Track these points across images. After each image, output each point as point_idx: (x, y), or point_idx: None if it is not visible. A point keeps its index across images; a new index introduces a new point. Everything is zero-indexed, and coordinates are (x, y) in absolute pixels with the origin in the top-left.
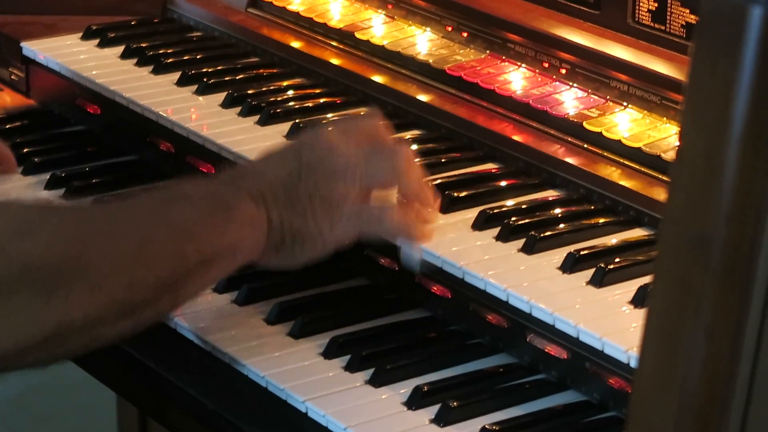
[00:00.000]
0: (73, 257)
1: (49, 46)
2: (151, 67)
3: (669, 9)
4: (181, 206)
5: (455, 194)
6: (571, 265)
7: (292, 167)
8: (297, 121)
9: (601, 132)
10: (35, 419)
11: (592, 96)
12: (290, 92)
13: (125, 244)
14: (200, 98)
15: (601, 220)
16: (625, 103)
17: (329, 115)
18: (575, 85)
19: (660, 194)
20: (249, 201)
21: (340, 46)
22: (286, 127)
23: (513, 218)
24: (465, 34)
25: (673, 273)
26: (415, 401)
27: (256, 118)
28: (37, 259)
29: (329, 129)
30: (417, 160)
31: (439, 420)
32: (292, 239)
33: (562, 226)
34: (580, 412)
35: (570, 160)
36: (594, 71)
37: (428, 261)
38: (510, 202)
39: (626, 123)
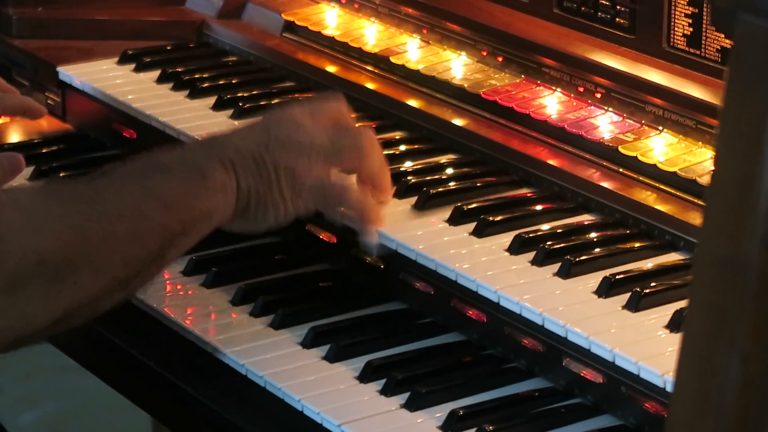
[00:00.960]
0: (79, 245)
1: (85, 70)
2: (186, 92)
3: (704, 34)
4: (162, 178)
5: (490, 218)
6: (606, 289)
7: (260, 139)
8: None
9: (636, 156)
10: None
11: (628, 120)
12: None
13: (122, 225)
14: (236, 122)
15: (637, 245)
16: (660, 128)
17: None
18: (610, 109)
19: (695, 218)
20: (221, 168)
21: (375, 71)
22: None
23: (548, 242)
24: (500, 59)
25: (708, 297)
26: (450, 425)
27: None
28: (49, 252)
29: (296, 107)
30: (379, 144)
31: None
32: (256, 205)
33: (597, 250)
34: None
35: (605, 184)
36: (629, 96)
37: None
38: (545, 227)
39: (661, 147)
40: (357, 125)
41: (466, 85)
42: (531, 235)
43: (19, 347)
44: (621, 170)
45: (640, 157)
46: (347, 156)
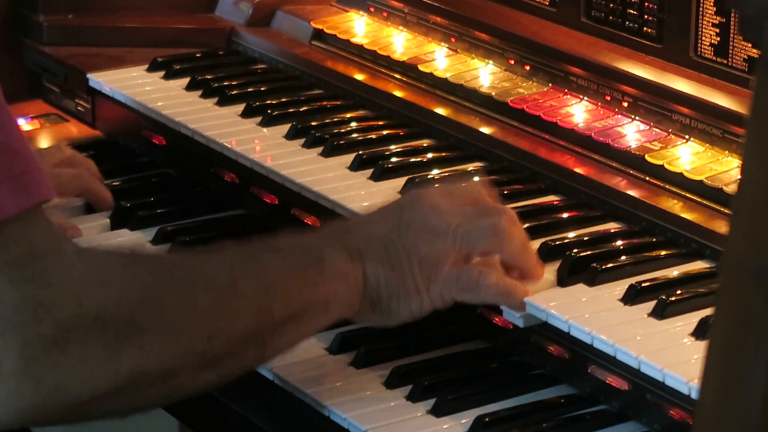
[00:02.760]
0: (150, 307)
1: (115, 77)
2: (216, 99)
3: (731, 43)
4: (269, 259)
5: None
6: (632, 296)
7: (392, 224)
8: (360, 152)
9: (663, 165)
10: None
11: (654, 129)
12: (353, 124)
13: (206, 295)
14: (264, 130)
15: (663, 253)
16: (687, 136)
17: (392, 147)
18: (637, 118)
19: (721, 227)
20: (343, 255)
21: (404, 79)
22: (349, 158)
23: (575, 250)
24: (527, 68)
25: (734, 306)
26: (476, 431)
27: (320, 149)
28: (111, 308)
29: (433, 188)
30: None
31: None
32: (389, 297)
33: (623, 258)
34: None
35: (632, 192)
36: (656, 104)
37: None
38: (572, 234)
39: (688, 156)
40: (497, 206)
41: (493, 94)
42: (557, 242)
43: (82, 416)
44: (648, 179)
45: (666, 166)
46: (485, 240)
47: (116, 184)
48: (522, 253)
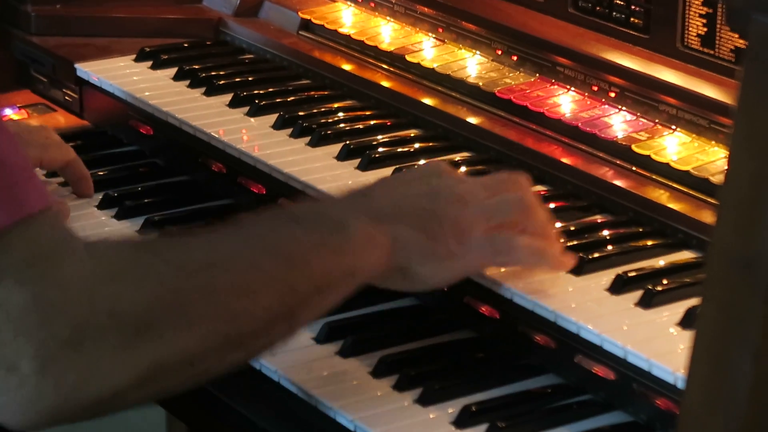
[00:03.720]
0: (166, 298)
1: (102, 67)
2: (203, 89)
3: (718, 34)
4: (290, 231)
5: None
6: (619, 286)
7: (421, 190)
8: (348, 142)
9: (649, 155)
10: None
11: (641, 119)
12: (341, 114)
13: (226, 276)
14: (252, 120)
15: (649, 243)
16: (673, 127)
17: (379, 137)
18: (624, 108)
19: (708, 217)
20: (368, 221)
21: (391, 69)
22: (336, 148)
23: (562, 240)
24: (515, 58)
25: (721, 295)
26: (463, 421)
27: (307, 139)
28: (126, 301)
29: (450, 167)
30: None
31: None
32: (420, 261)
33: (610, 248)
34: None
35: (618, 182)
36: (643, 95)
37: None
38: (559, 224)
39: (675, 146)
40: (517, 178)
41: (480, 84)
42: None
43: (106, 411)
44: (634, 169)
45: (653, 156)
46: (514, 211)
47: (104, 173)
48: (548, 226)
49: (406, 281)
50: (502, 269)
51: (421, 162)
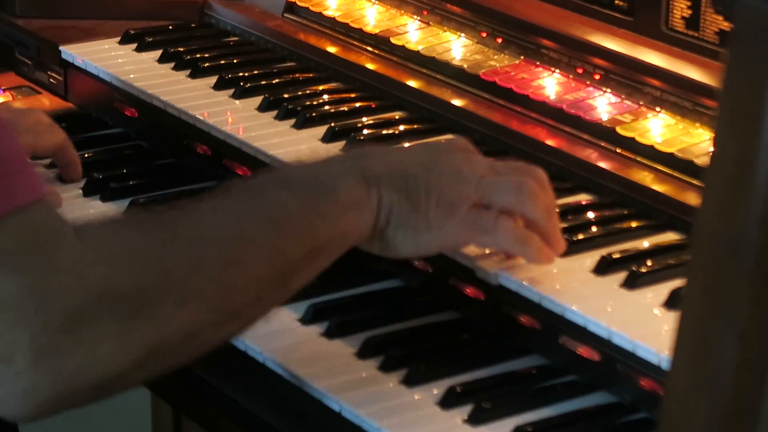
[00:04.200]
0: (157, 276)
1: (87, 50)
2: (188, 71)
3: (702, 16)
4: (278, 196)
5: None
6: (604, 268)
7: (421, 160)
8: (332, 124)
9: (634, 137)
10: (68, 418)
11: (626, 101)
12: (326, 96)
13: (215, 249)
14: (237, 102)
15: (634, 224)
16: (658, 109)
17: (364, 119)
18: (609, 90)
19: (692, 199)
20: (357, 182)
21: (376, 52)
22: (321, 130)
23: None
24: (499, 40)
25: (706, 276)
26: (448, 401)
27: (292, 121)
28: (116, 283)
29: (467, 142)
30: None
31: (472, 420)
32: (396, 226)
33: (595, 229)
34: (611, 414)
35: (603, 164)
36: (627, 77)
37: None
38: None
39: (659, 128)
40: (531, 166)
41: (465, 66)
42: None
43: (109, 393)
44: (619, 151)
45: (638, 138)
46: (510, 196)
47: (89, 156)
48: (546, 217)
49: (381, 245)
50: (487, 251)
51: (407, 144)
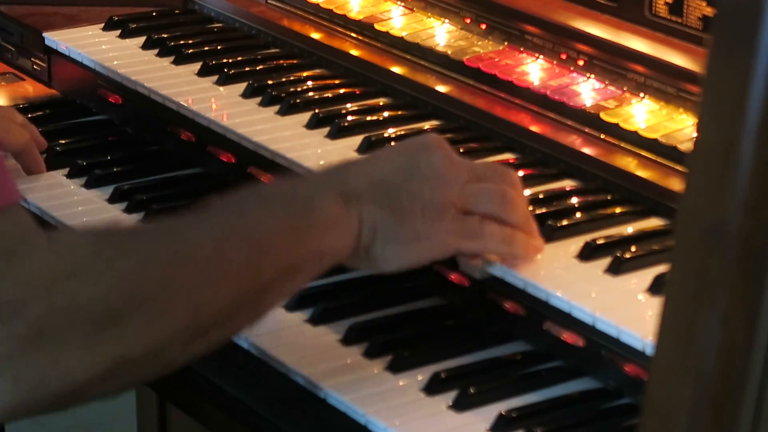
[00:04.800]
0: (126, 294)
1: (71, 36)
2: (172, 58)
3: (686, 2)
4: (257, 215)
5: None
6: (588, 254)
7: (400, 165)
8: (317, 111)
9: (618, 123)
10: None
11: (609, 87)
12: (310, 83)
13: (188, 268)
14: (221, 88)
15: (618, 210)
16: (642, 95)
17: (348, 106)
18: (592, 76)
19: (676, 184)
20: (336, 200)
21: (360, 38)
22: (305, 117)
23: (530, 208)
24: (483, 26)
25: (689, 262)
26: (433, 387)
27: (277, 108)
28: (85, 299)
29: (444, 141)
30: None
31: (457, 406)
32: (384, 242)
33: (579, 215)
34: (596, 399)
35: (587, 150)
36: (611, 63)
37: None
38: (527, 192)
39: (643, 114)
40: (506, 169)
41: (449, 53)
42: None
43: (71, 404)
44: (603, 137)
45: (621, 124)
46: (492, 204)
47: (73, 142)
48: (526, 222)
49: (368, 262)
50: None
51: (391, 130)
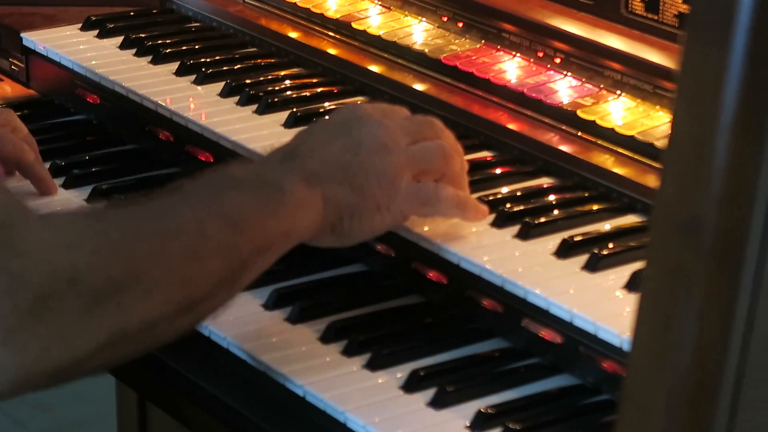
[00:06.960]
0: (124, 264)
1: (49, 36)
2: (149, 57)
3: None
4: (232, 195)
5: None
6: (565, 251)
7: (344, 143)
8: (294, 110)
9: (594, 120)
10: (33, 405)
11: (586, 85)
12: (288, 82)
13: (177, 243)
14: (199, 88)
15: (595, 207)
16: (618, 92)
17: (326, 104)
18: (569, 74)
19: (653, 181)
20: (301, 182)
21: (337, 37)
22: (283, 116)
23: (508, 205)
24: (460, 24)
25: (665, 258)
26: (411, 385)
27: (254, 107)
28: (85, 270)
29: (368, 107)
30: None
31: (436, 403)
32: (349, 216)
33: (556, 212)
34: (574, 396)
35: (564, 148)
36: (588, 60)
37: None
38: (505, 190)
39: (620, 111)
40: (432, 120)
41: (426, 51)
42: (491, 198)
43: (66, 379)
44: (580, 134)
45: (598, 121)
46: (436, 159)
47: (51, 142)
48: (462, 173)
49: (334, 237)
50: (448, 235)
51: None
